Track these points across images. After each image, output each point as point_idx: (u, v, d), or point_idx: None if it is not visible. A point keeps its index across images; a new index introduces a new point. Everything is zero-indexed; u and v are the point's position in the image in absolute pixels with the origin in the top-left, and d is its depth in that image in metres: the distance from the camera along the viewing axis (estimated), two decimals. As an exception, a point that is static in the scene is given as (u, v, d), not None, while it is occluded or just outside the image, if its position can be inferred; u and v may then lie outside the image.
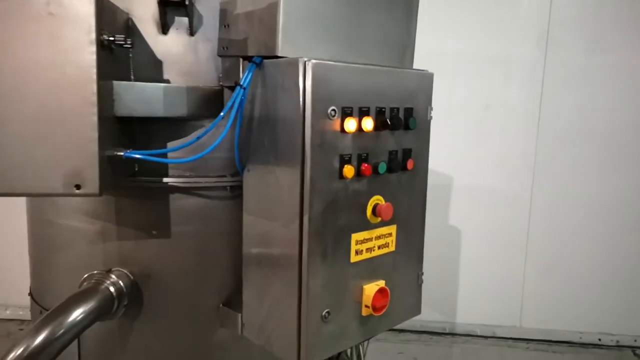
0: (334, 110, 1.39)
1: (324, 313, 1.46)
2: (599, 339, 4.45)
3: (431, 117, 1.71)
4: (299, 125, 1.37)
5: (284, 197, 1.44)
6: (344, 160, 1.45)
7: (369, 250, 1.58)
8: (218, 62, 1.59)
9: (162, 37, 1.55)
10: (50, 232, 1.74)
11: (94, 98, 1.24)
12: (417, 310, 1.81)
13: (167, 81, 1.57)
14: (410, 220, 1.71)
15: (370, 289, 1.57)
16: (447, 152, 4.18)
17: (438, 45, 4.07)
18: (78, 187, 1.25)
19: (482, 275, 4.50)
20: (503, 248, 4.45)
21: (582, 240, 4.34)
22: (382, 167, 1.54)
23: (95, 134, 1.24)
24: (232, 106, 1.41)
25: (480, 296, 4.52)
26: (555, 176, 4.29)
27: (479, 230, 4.42)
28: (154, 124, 1.58)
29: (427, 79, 1.69)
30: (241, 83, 1.43)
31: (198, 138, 1.43)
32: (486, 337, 4.52)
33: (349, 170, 1.44)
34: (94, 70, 1.23)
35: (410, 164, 1.64)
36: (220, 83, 1.59)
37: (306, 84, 1.34)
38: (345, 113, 1.43)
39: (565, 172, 4.27)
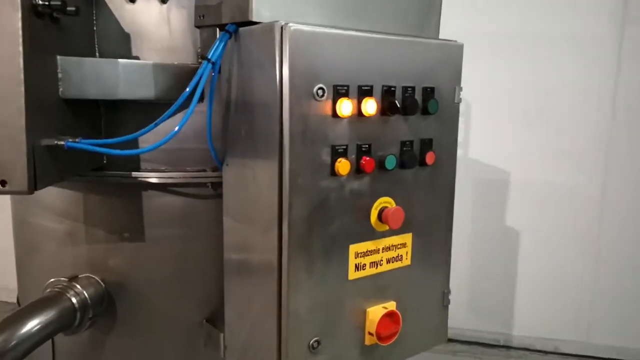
0: (321, 89, 1.10)
1: (311, 341, 1.18)
2: (683, 361, 3.85)
3: (460, 100, 1.37)
4: (275, 108, 1.08)
5: (262, 196, 1.16)
6: (337, 153, 1.15)
7: (374, 264, 1.27)
8: (197, 35, 1.33)
9: (129, 6, 1.31)
10: (24, 231, 1.56)
11: (21, 76, 1.01)
12: (442, 337, 1.49)
13: (137, 58, 1.33)
14: (432, 227, 1.38)
15: (376, 312, 1.27)
16: (502, 143, 3.72)
17: (493, 24, 3.62)
18: (3, 183, 1.04)
19: (544, 282, 4.01)
20: (569, 252, 3.94)
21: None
22: (391, 162, 1.23)
23: (22, 120, 1.02)
24: (196, 85, 1.15)
25: (541, 306, 4.04)
26: (632, 170, 3.73)
27: (541, 231, 3.93)
28: (122, 110, 1.35)
29: (454, 51, 1.35)
30: (209, 57, 1.16)
31: (155, 125, 1.18)
32: (546, 353, 4.03)
33: (343, 166, 1.14)
34: (19, 41, 1.01)
35: (430, 158, 1.31)
36: (200, 60, 1.33)
37: (283, 54, 1.06)
38: (339, 93, 1.13)
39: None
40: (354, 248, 1.22)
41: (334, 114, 1.13)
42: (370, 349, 1.29)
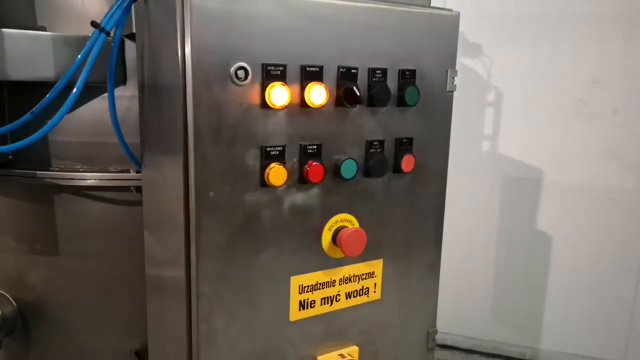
0: (242, 69, 0.80)
1: (234, 404, 0.90)
2: None
3: (454, 88, 1.05)
4: (178, 94, 0.79)
5: (170, 213, 0.88)
6: (269, 156, 0.85)
7: (327, 300, 0.97)
8: (116, 1, 1.05)
9: (32, -36, 1.05)
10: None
11: None
12: (426, 387, 1.18)
13: (43, 29, 1.06)
14: (412, 251, 1.07)
15: (328, 362, 0.98)
16: (535, 138, 3.31)
17: (531, 3, 3.20)
18: None
19: (577, 293, 3.60)
20: (607, 263, 3.51)
21: None
22: (350, 168, 0.92)
23: None
24: (84, 61, 0.87)
25: (572, 319, 3.64)
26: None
27: (576, 237, 3.52)
28: (28, 93, 1.09)
29: (447, 23, 1.02)
30: (102, 24, 0.88)
31: (32, 113, 0.91)
32: (578, 370, 3.64)
33: (276, 173, 0.85)
34: None
35: (408, 163, 1.00)
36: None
37: (185, 19, 0.76)
38: (270, 75, 0.83)
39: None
40: (297, 280, 0.93)
41: (264, 104, 0.83)
42: (321, 408, 1.00)
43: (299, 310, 0.94)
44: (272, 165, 0.84)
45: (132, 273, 1.15)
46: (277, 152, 0.85)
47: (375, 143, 0.96)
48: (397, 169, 0.99)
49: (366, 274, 1.01)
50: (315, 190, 0.91)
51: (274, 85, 0.82)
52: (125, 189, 1.11)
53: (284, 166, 0.85)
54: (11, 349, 1.20)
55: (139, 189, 1.10)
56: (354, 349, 1.02)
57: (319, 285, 0.95)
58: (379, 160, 0.95)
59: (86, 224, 1.14)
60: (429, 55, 1.00)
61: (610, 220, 3.46)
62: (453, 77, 1.04)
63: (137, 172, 1.10)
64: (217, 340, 0.86)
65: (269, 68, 0.82)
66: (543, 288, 3.70)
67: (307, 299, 0.94)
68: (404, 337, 1.10)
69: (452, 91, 1.05)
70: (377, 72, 0.93)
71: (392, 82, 0.95)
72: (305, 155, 0.88)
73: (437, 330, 1.17)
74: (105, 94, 1.08)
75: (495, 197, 3.56)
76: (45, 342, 1.20)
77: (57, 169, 1.11)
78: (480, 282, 3.60)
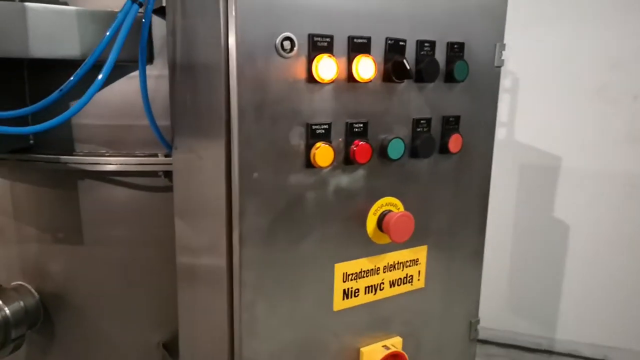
0: (289, 39, 0.74)
1: (278, 398, 0.85)
2: None
3: (502, 63, 0.98)
4: (219, 69, 0.74)
5: (209, 194, 0.83)
6: (315, 135, 0.79)
7: (371, 289, 0.92)
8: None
9: None
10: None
11: None
12: (468, 379, 1.13)
13: (65, 4, 1.00)
14: (457, 237, 1.01)
15: (373, 353, 0.92)
16: (554, 123, 3.23)
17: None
18: None
19: (595, 282, 3.55)
20: (625, 252, 3.45)
21: None
22: (397, 148, 0.86)
23: None
24: (115, 34, 0.82)
25: (590, 308, 3.58)
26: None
27: (595, 225, 3.45)
28: (51, 74, 1.03)
29: (495, -7, 0.95)
30: (134, -6, 0.82)
31: (61, 92, 0.85)
32: (594, 360, 3.60)
33: (323, 153, 0.79)
34: None
35: (455, 143, 0.94)
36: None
37: (228, -12, 0.70)
38: (317, 47, 0.77)
39: None
40: (341, 268, 0.87)
41: (310, 78, 0.77)
42: (365, 401, 0.95)
43: (343, 299, 0.89)
44: (318, 144, 0.79)
45: (159, 262, 1.11)
46: (323, 131, 0.79)
47: (422, 122, 0.90)
48: (443, 150, 0.93)
49: (410, 261, 0.96)
50: (360, 172, 0.85)
51: (321, 58, 0.76)
52: (153, 174, 1.06)
53: (330, 145, 0.79)
54: (34, 342, 1.16)
55: (167, 174, 1.05)
56: (397, 340, 0.96)
57: (363, 273, 0.90)
58: (427, 140, 0.89)
59: (111, 211, 1.09)
60: (477, 27, 0.93)
61: (630, 207, 3.40)
62: (501, 52, 0.97)
63: (166, 156, 1.04)
64: (259, 330, 0.81)
65: (315, 39, 0.76)
66: (560, 277, 3.64)
67: (351, 288, 0.89)
68: (447, 327, 1.05)
69: (500, 66, 0.98)
70: (426, 44, 0.87)
71: (440, 56, 0.89)
72: (351, 134, 0.82)
73: (479, 320, 1.11)
74: (131, 74, 1.03)
75: (512, 185, 3.49)
76: (69, 334, 1.16)
77: (81, 153, 1.06)
78: (497, 271, 3.54)
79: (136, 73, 1.03)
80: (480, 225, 1.05)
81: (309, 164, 0.79)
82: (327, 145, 0.79)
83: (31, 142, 1.07)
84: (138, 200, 1.08)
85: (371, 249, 0.90)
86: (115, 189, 1.08)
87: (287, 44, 0.74)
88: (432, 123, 0.91)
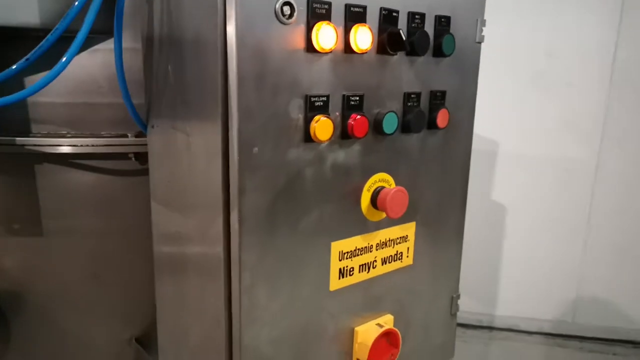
0: (288, 5, 0.70)
1: (277, 384, 0.81)
2: (671, 339, 3.68)
3: (482, 39, 0.99)
4: (215, 37, 0.68)
5: (199, 173, 0.77)
6: (314, 107, 0.76)
7: (365, 267, 0.90)
8: None
9: None
10: None
11: None
12: (449, 353, 1.14)
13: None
14: (442, 213, 1.02)
15: (367, 332, 0.91)
16: (491, 110, 3.37)
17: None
18: None
19: (530, 259, 3.76)
20: (559, 230, 3.68)
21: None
22: (391, 123, 0.85)
23: None
24: (86, 3, 0.74)
25: (526, 285, 3.79)
26: (630, 141, 3.44)
27: (532, 207, 3.65)
28: (13, 44, 0.92)
29: (477, -32, 0.96)
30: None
31: (27, 60, 0.76)
32: (531, 333, 3.81)
33: (323, 126, 0.76)
34: None
35: (443, 118, 0.94)
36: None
37: (226, -57, 0.65)
38: (316, 13, 0.73)
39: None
40: (337, 246, 0.85)
41: (310, 47, 0.73)
42: (360, 381, 0.93)
43: (339, 278, 0.86)
44: (318, 117, 0.75)
45: (129, 252, 1.03)
46: (322, 103, 0.76)
47: (412, 96, 0.88)
48: (431, 125, 0.93)
49: (400, 238, 0.95)
50: (356, 147, 0.83)
51: (321, 26, 0.72)
52: (122, 156, 0.98)
53: (329, 118, 0.76)
54: (-15, 347, 1.04)
55: (139, 156, 0.98)
56: (389, 318, 0.95)
57: (357, 251, 0.88)
58: (418, 114, 0.88)
59: (74, 199, 1.00)
60: (460, 1, 0.93)
61: (564, 190, 3.62)
62: (482, 27, 0.98)
63: (137, 136, 0.97)
64: (259, 315, 0.77)
65: (314, 5, 0.72)
66: (498, 257, 3.83)
67: (347, 267, 0.87)
68: (432, 302, 1.06)
69: (481, 42, 0.99)
70: (417, 17, 0.85)
71: (428, 29, 0.88)
72: (348, 107, 0.80)
73: (459, 295, 1.13)
74: (94, 47, 0.94)
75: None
76: (28, 336, 1.05)
77: (39, 135, 0.95)
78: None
79: (100, 46, 0.95)
80: (462, 201, 1.06)
81: (308, 138, 0.76)
82: (327, 118, 0.76)
83: (-22, 123, 0.95)
84: (105, 186, 1.00)
85: (365, 226, 0.88)
86: (78, 173, 0.98)
87: (286, 9, 0.70)
88: (421, 98, 0.90)
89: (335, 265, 0.85)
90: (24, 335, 1.05)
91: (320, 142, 0.77)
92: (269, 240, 0.76)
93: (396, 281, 0.96)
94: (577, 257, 3.72)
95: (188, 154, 0.79)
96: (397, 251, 0.95)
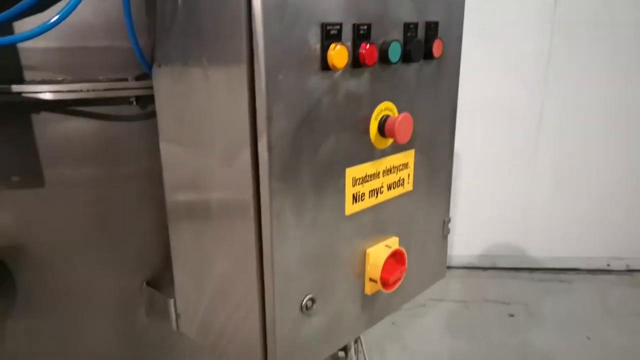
0: None
1: (304, 301, 0.86)
2: (608, 264, 4.06)
3: (467, -30, 1.04)
4: (237, -40, 0.69)
5: (220, 105, 0.79)
6: (330, 35, 0.79)
7: (373, 193, 0.96)
8: None
9: None
10: None
11: None
12: (442, 273, 1.24)
13: None
14: (436, 141, 1.09)
15: (378, 253, 0.97)
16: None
17: None
18: None
19: (482, 201, 3.99)
20: (506, 169, 3.91)
21: (596, 154, 3.80)
22: (395, 51, 0.89)
23: None
24: None
25: (479, 225, 4.04)
26: (569, 80, 3.66)
27: (478, 148, 3.85)
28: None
29: None
30: None
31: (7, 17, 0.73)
32: (485, 269, 4.09)
33: (339, 54, 0.79)
34: None
35: (437, 48, 0.99)
36: None
37: None
38: (329, -59, 0.75)
39: (581, 75, 3.64)
40: (351, 173, 0.89)
41: (324, -25, 0.75)
42: (371, 298, 1.01)
43: (352, 204, 0.91)
44: (334, 45, 0.78)
45: (132, 199, 1.04)
46: (336, 32, 0.79)
47: (411, 26, 0.93)
48: (427, 55, 0.98)
49: (402, 165, 1.01)
50: (366, 76, 0.87)
51: (335, -47, 0.74)
52: (123, 101, 0.97)
53: (344, 46, 0.79)
54: (-8, 305, 1.03)
55: (139, 99, 0.97)
56: (394, 240, 1.02)
57: (367, 177, 0.93)
58: (418, 43, 0.93)
59: (74, 147, 0.98)
60: None
61: (510, 128, 3.83)
62: (467, -41, 1.03)
63: (138, 79, 0.96)
64: (288, 236, 0.81)
65: None
66: (452, 200, 4.01)
67: (359, 192, 0.92)
68: (428, 225, 1.13)
69: (466, -27, 1.04)
70: (414, -53, 0.89)
71: (423, -41, 0.91)
72: (358, 36, 0.83)
73: (450, 218, 1.22)
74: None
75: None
76: (34, 290, 1.04)
77: (35, 82, 0.93)
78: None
79: (92, -14, 0.92)
80: (452, 129, 1.13)
81: (325, 66, 0.79)
82: (343, 46, 0.79)
83: (-34, 71, 0.91)
84: (105, 133, 0.99)
85: (373, 153, 0.93)
86: (78, 121, 0.97)
87: (303, -64, 0.71)
88: (418, 28, 0.95)
89: (349, 190, 0.90)
90: (29, 290, 1.04)
91: (336, 70, 0.80)
92: (294, 166, 0.79)
93: (399, 206, 1.03)
94: (525, 197, 3.97)
95: (206, 88, 0.80)
96: (399, 178, 1.01)
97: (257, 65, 0.72)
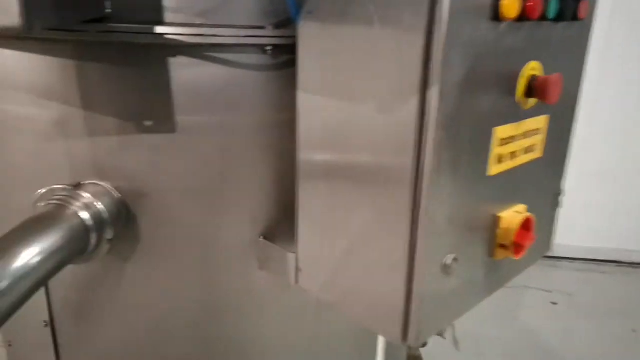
0: None
1: (447, 260, 0.85)
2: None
3: None
4: None
5: (383, 53, 0.77)
6: (503, -16, 0.75)
7: (512, 155, 0.93)
8: None
9: None
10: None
11: None
12: (549, 246, 1.21)
13: None
14: (566, 109, 1.05)
15: (511, 219, 0.95)
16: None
17: None
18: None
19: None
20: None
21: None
22: (554, 7, 0.86)
23: None
24: None
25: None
26: None
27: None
28: None
29: None
30: None
31: None
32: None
33: (512, 4, 0.76)
34: None
35: (584, 9, 0.95)
36: None
37: None
38: None
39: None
40: (498, 132, 0.87)
41: None
42: (497, 264, 0.99)
43: (497, 163, 0.89)
44: (508, -6, 0.75)
45: (259, 151, 1.03)
46: (509, -20, 0.76)
47: (564, -16, 0.89)
48: (574, 16, 0.94)
49: (536, 129, 0.98)
50: (524, 31, 0.84)
51: None
52: (257, 49, 0.95)
53: (516, -4, 0.76)
54: (114, 248, 1.03)
55: (277, 50, 0.95)
56: (523, 207, 1.00)
57: (509, 139, 0.90)
58: (571, 1, 0.89)
59: (208, 94, 0.97)
60: None
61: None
62: None
63: (277, 27, 0.94)
64: (443, 192, 0.79)
65: None
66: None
67: (502, 153, 0.90)
68: (546, 196, 1.11)
69: None
70: None
71: None
72: (525, -13, 0.79)
73: (561, 190, 1.18)
74: None
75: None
76: (156, 235, 1.05)
77: (172, 24, 0.91)
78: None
79: None
80: (578, 94, 1.08)
81: (495, 16, 0.76)
82: (515, -5, 0.76)
83: (108, 10, 0.89)
84: (236, 80, 0.97)
85: (517, 114, 0.90)
86: (212, 67, 0.95)
87: None
88: (567, -14, 0.91)
89: (496, 150, 0.88)
90: (151, 235, 1.05)
91: (505, 20, 0.77)
92: (457, 118, 0.77)
93: (528, 172, 1.00)
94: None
95: (367, 34, 0.78)
96: (532, 143, 0.98)
97: (440, 9, 0.69)
